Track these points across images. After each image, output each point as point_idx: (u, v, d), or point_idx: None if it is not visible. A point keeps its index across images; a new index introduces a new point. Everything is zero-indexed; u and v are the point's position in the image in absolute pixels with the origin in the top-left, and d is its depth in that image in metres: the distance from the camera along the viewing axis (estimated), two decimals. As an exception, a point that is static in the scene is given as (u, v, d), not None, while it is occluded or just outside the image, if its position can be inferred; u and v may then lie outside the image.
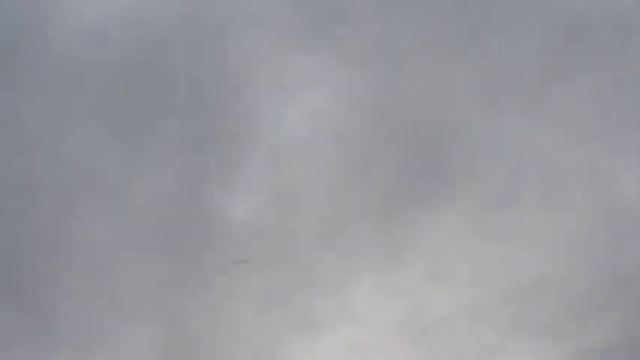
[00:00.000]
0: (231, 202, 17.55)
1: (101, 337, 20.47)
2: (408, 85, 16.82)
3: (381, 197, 18.16)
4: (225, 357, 21.15)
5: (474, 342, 21.32)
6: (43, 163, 18.42)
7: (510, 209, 18.19)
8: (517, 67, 17.66)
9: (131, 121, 18.13)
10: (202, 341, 20.98)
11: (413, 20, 17.16)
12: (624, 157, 17.57)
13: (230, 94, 18.38)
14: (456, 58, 17.12)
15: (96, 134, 18.38)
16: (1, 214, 18.73)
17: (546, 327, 21.72)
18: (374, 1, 17.17)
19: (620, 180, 18.02)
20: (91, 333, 19.81)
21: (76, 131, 19.08)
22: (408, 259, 23.60)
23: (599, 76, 17.56)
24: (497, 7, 18.17)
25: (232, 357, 22.45)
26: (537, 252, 18.99)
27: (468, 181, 17.31)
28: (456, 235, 19.56)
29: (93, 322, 20.15)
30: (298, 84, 17.43)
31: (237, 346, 21.68)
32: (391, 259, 23.75)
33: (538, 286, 21.93)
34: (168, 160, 17.89)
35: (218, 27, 17.24)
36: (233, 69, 17.50)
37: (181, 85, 17.07)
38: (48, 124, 19.23)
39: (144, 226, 21.42)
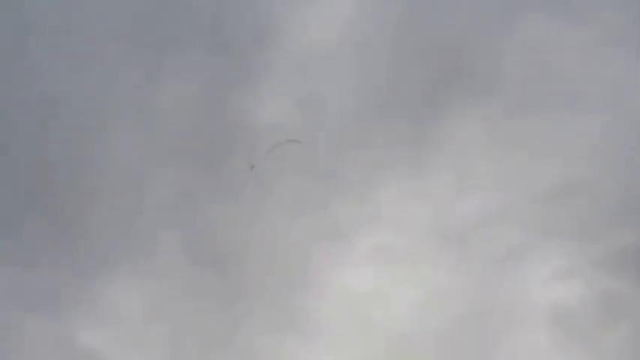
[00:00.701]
0: (257, 106, 17.10)
1: (130, 244, 20.81)
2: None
3: (407, 104, 17.56)
4: (253, 261, 21.34)
5: (502, 244, 21.35)
6: (72, 80, 18.02)
7: (538, 113, 17.52)
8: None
9: (156, 31, 17.16)
10: (229, 244, 21.15)
11: None
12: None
13: (256, 0, 17.07)
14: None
15: (120, 47, 17.52)
16: (35, 132, 18.81)
17: (575, 228, 21.46)
18: None
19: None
20: (121, 241, 20.12)
21: (103, 47, 18.12)
22: (435, 164, 22.81)
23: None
24: None
25: (261, 261, 22.53)
26: (566, 155, 18.50)
27: (494, 86, 16.61)
28: (482, 139, 18.98)
29: (123, 230, 20.36)
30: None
31: (267, 251, 21.89)
32: (418, 165, 22.94)
33: (567, 188, 21.37)
34: (194, 66, 17.36)
35: None
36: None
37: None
38: (77, 43, 18.36)
39: (171, 133, 20.86)
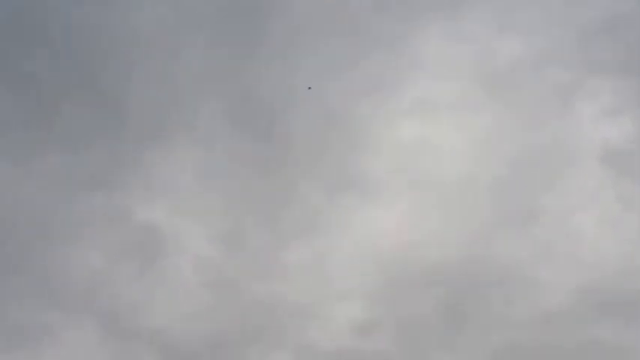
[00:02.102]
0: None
1: (173, 118, 21.96)
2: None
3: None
4: (296, 121, 21.76)
5: (547, 84, 21.24)
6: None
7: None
8: None
9: None
10: (273, 107, 21.91)
11: None
12: None
13: None
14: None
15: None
16: (71, 14, 20.85)
17: (623, 65, 21.26)
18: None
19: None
20: (165, 115, 21.40)
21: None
22: (475, 4, 22.66)
23: None
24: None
25: (304, 120, 22.73)
26: None
27: None
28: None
29: (165, 105, 21.62)
30: None
31: (309, 109, 22.24)
32: (457, 5, 22.78)
33: (611, 24, 21.14)
34: None
35: None
36: None
37: None
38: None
39: (207, 10, 22.19)
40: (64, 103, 24.97)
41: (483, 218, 22.86)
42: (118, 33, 24.92)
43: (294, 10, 24.84)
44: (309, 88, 21.58)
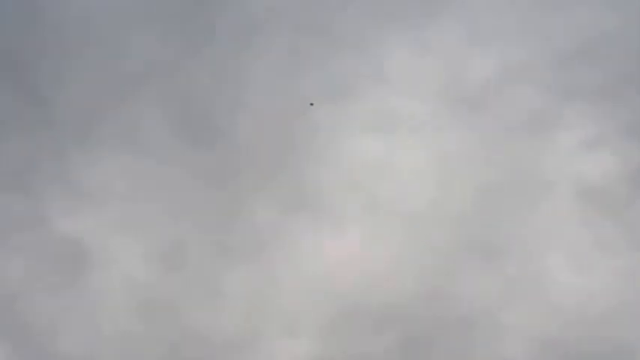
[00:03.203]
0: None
1: (111, 118, 19.64)
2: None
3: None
4: (245, 130, 19.80)
5: (521, 108, 19.58)
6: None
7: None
8: None
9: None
10: (219, 113, 19.63)
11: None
12: None
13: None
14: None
15: None
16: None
17: (602, 89, 19.67)
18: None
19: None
20: (101, 115, 19.17)
21: None
22: (447, 14, 20.90)
23: None
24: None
25: (254, 130, 20.86)
26: (594, 8, 16.86)
27: None
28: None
29: (101, 104, 19.33)
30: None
31: (261, 118, 20.33)
32: (428, 15, 21.05)
33: (593, 44, 19.49)
34: None
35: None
36: None
37: None
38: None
39: (154, 4, 19.37)
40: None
41: (446, 250, 21.18)
42: (54, 21, 22.42)
43: (247, 8, 22.73)
44: (312, 104, 19.54)
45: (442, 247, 21.58)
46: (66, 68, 21.12)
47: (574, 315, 19.94)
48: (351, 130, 22.38)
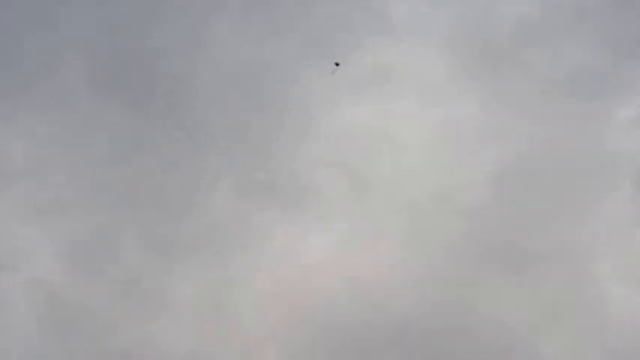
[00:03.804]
0: None
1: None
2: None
3: None
4: (205, 89, 15.85)
5: (562, 63, 15.41)
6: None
7: None
8: None
9: None
10: (170, 76, 15.39)
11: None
12: None
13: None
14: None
15: None
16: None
17: None
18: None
19: None
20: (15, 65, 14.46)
21: None
22: None
23: None
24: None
25: (213, 90, 16.25)
26: None
27: None
28: None
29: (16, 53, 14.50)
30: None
31: (224, 73, 16.22)
32: None
33: None
34: None
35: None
36: None
37: None
38: None
39: None
40: None
41: (459, 252, 16.70)
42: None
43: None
44: (337, 64, 15.03)
45: (453, 249, 16.84)
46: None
47: (635, 344, 15.50)
48: (338, 94, 17.53)
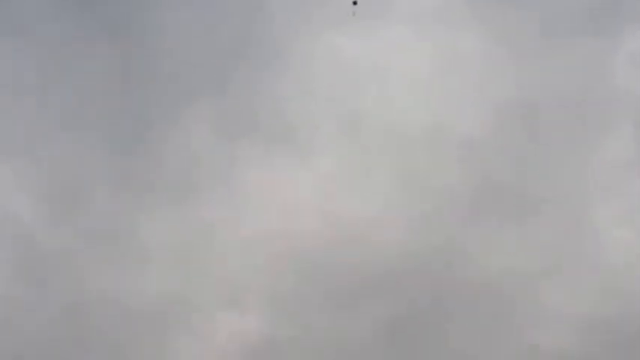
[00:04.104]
0: None
1: None
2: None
3: None
4: (174, 8, 14.31)
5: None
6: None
7: None
8: None
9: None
10: None
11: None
12: None
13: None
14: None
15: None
16: None
17: None
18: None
19: None
20: None
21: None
22: None
23: None
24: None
25: (182, 11, 14.54)
26: None
27: None
28: None
29: None
30: None
31: None
32: None
33: None
34: None
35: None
36: None
37: None
38: None
39: None
40: None
41: (457, 193, 15.83)
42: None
43: None
44: (355, 2, 14.07)
45: (447, 189, 15.99)
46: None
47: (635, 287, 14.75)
48: (323, 20, 16.48)
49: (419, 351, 13.87)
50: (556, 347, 14.08)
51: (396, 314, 14.04)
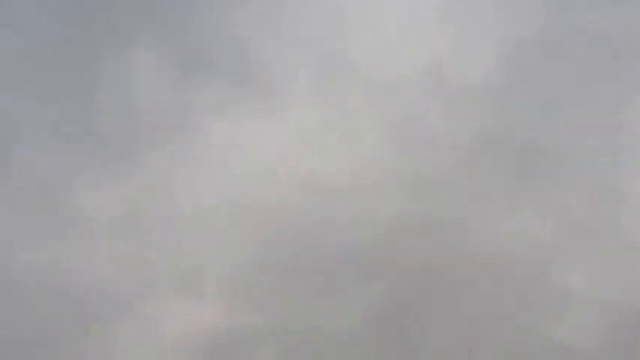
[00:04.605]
0: None
1: None
2: None
3: None
4: None
5: None
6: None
7: None
8: None
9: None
10: None
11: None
12: None
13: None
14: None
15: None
16: None
17: None
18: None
19: None
20: None
21: None
22: None
23: None
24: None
25: None
26: None
27: None
28: None
29: None
30: None
31: None
32: None
33: None
34: None
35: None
36: None
37: None
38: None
39: None
40: None
41: (456, 150, 13.46)
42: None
43: None
44: None
45: (448, 145, 13.62)
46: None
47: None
48: None
49: (411, 344, 11.84)
50: (574, 342, 12.08)
51: (386, 300, 11.90)
